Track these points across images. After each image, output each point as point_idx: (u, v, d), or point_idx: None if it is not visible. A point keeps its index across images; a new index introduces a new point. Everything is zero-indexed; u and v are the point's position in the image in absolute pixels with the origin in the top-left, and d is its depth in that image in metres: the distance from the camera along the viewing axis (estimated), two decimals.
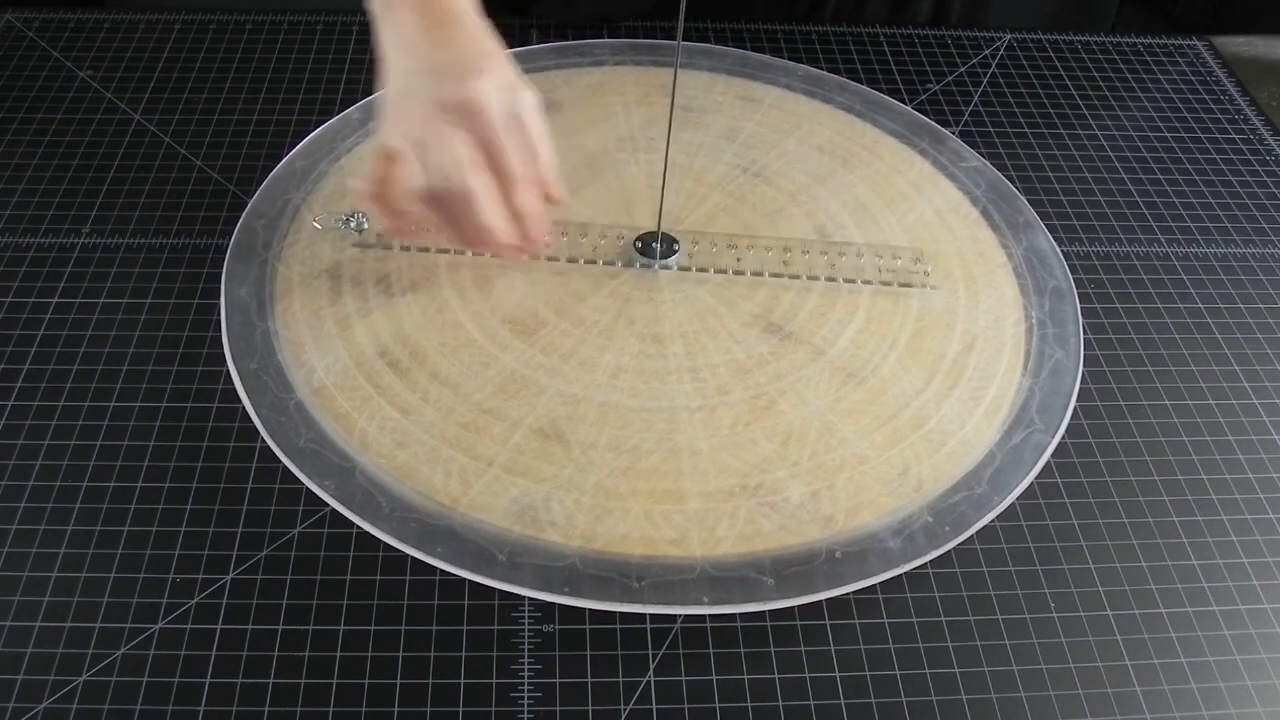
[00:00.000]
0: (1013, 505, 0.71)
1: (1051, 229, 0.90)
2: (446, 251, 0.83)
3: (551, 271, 0.83)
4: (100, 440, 0.72)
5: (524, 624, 0.65)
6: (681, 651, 0.64)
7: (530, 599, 0.65)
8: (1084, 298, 0.85)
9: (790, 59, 1.07)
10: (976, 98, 1.02)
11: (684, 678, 0.63)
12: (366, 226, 0.83)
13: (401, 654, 0.63)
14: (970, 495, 0.70)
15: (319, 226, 0.82)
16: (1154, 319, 0.85)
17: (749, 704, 0.62)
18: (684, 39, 1.09)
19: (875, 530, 0.68)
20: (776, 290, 0.82)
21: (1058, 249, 0.87)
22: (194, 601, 0.64)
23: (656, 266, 0.83)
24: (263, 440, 0.71)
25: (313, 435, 0.70)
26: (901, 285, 0.83)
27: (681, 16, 0.73)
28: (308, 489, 0.68)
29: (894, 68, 1.09)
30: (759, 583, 0.65)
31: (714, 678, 0.63)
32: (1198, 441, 0.77)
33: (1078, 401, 0.77)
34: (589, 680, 0.62)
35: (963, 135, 0.99)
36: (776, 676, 0.63)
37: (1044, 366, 0.79)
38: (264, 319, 0.77)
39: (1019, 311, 0.83)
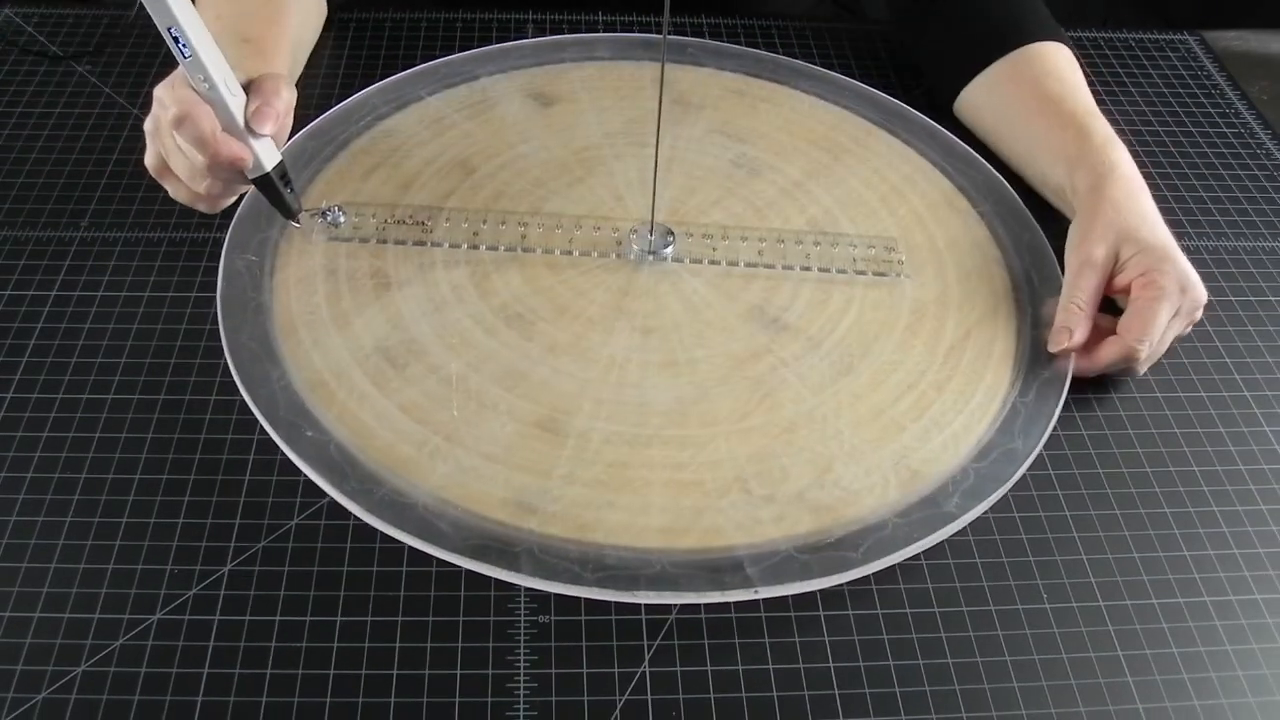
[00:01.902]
0: (1005, 496, 0.71)
1: (1044, 223, 0.90)
2: (440, 245, 0.83)
3: (547, 264, 0.83)
4: (98, 433, 0.72)
5: (520, 615, 0.65)
6: (676, 642, 0.64)
7: (526, 590, 0.66)
8: None
9: (784, 54, 1.07)
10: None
11: (679, 668, 0.63)
12: (342, 221, 0.84)
13: (398, 645, 0.63)
14: (964, 486, 0.71)
15: (298, 225, 0.83)
16: None
17: (743, 694, 0.62)
18: (681, 35, 1.09)
19: (869, 521, 0.69)
20: (771, 282, 0.83)
21: (1048, 241, 0.88)
22: (192, 593, 0.65)
23: (651, 259, 0.84)
24: (260, 432, 0.71)
25: (311, 427, 0.71)
26: (876, 274, 0.84)
27: (666, 10, 0.74)
28: (305, 480, 0.69)
29: (889, 63, 1.09)
30: (754, 573, 0.65)
31: (709, 668, 0.63)
32: (1189, 433, 0.77)
33: (1070, 393, 0.78)
34: (584, 671, 0.63)
35: (956, 130, 0.99)
36: (771, 667, 0.63)
37: (1037, 357, 0.79)
38: (262, 312, 0.78)
39: (1011, 301, 0.83)
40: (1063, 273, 0.83)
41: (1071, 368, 0.79)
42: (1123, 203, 0.83)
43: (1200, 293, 0.80)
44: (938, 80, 1.04)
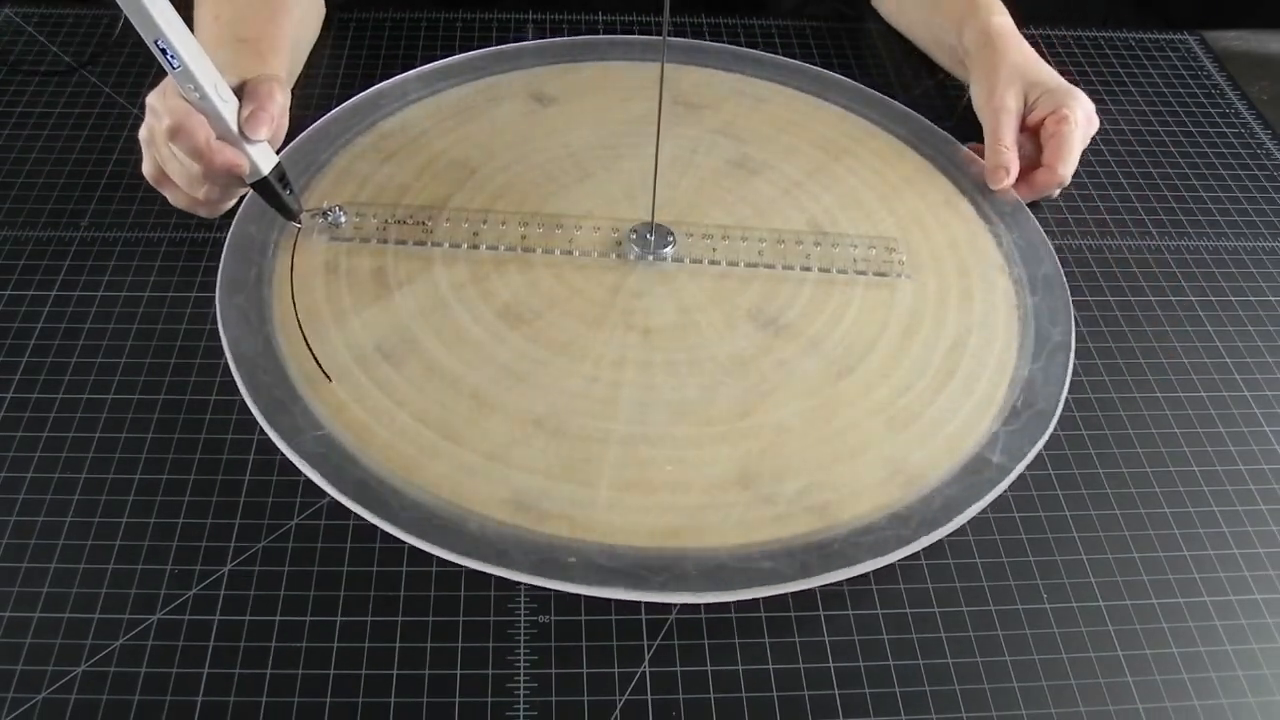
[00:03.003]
0: (1005, 496, 0.71)
1: (1044, 222, 0.90)
2: (441, 245, 0.83)
3: (547, 264, 0.83)
4: (98, 433, 0.72)
5: (520, 615, 0.65)
6: (676, 642, 0.64)
7: (526, 590, 0.66)
8: (1076, 290, 0.85)
9: (784, 54, 1.07)
10: (970, 93, 1.02)
11: (679, 668, 0.63)
12: (343, 222, 0.84)
13: (398, 645, 0.63)
14: (963, 486, 0.71)
15: (299, 225, 0.83)
16: (1145, 311, 0.86)
17: (743, 694, 0.62)
18: (681, 35, 1.09)
19: (868, 521, 0.68)
20: (770, 283, 0.83)
21: (1048, 240, 0.88)
22: (192, 593, 0.65)
23: (651, 259, 0.84)
24: (260, 432, 0.71)
25: (311, 427, 0.71)
26: (877, 274, 0.84)
27: (666, 10, 0.74)
28: (305, 480, 0.69)
29: (887, 63, 1.09)
30: (753, 573, 0.65)
31: (709, 668, 0.63)
32: (1189, 433, 0.77)
33: (1070, 393, 0.77)
34: (584, 671, 0.63)
35: (956, 130, 0.99)
36: (771, 667, 0.63)
37: (1037, 358, 0.79)
38: (262, 312, 0.78)
39: (1011, 302, 0.83)
40: (1061, 271, 0.83)
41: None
42: (1016, 56, 0.96)
43: (1096, 118, 0.95)
44: None
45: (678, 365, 0.77)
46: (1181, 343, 0.84)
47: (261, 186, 0.78)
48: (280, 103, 0.77)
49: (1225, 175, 0.99)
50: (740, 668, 0.63)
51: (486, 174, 0.90)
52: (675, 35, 1.09)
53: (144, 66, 1.02)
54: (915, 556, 0.68)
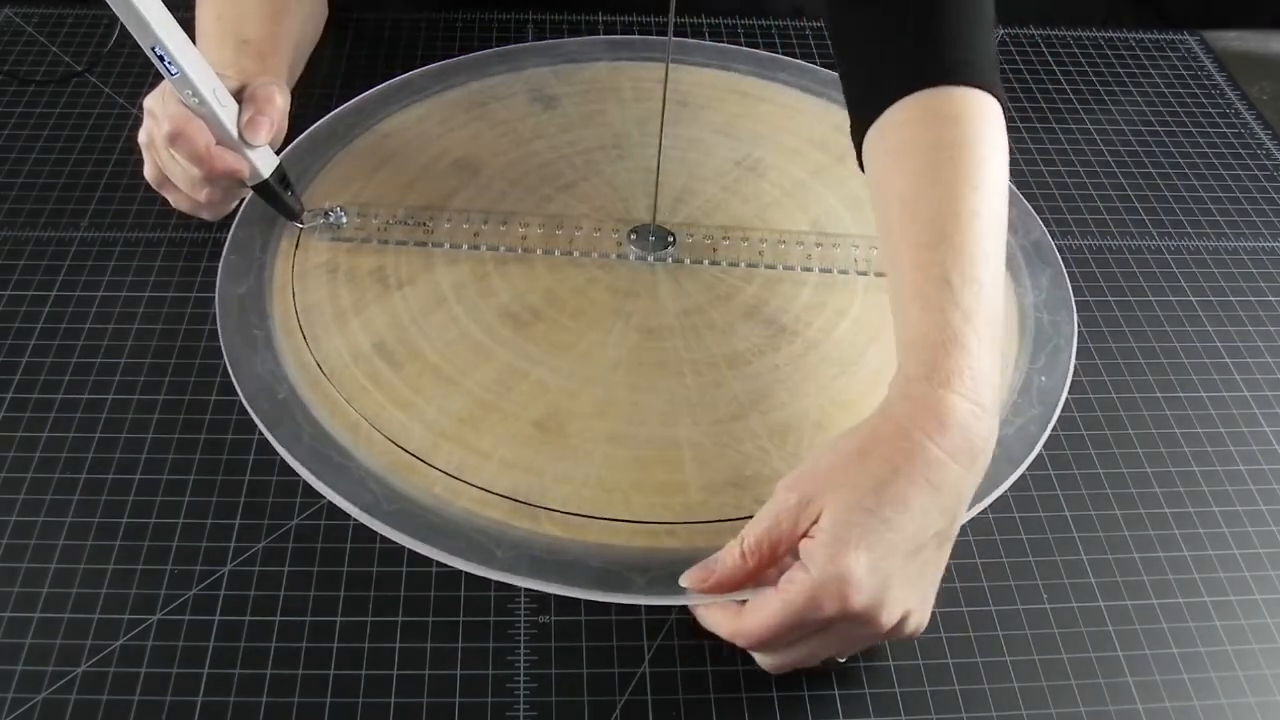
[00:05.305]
0: (1005, 496, 0.71)
1: (1044, 222, 0.90)
2: (441, 246, 0.83)
3: (547, 265, 0.83)
4: (98, 433, 0.72)
5: (520, 615, 0.65)
6: (676, 643, 0.64)
7: (526, 590, 0.66)
8: (1077, 290, 0.85)
9: (785, 54, 1.07)
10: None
11: (679, 668, 0.63)
12: (345, 223, 0.84)
13: (398, 645, 0.63)
14: None
15: (301, 226, 0.83)
16: (1145, 311, 0.86)
17: (743, 695, 0.62)
18: (682, 35, 1.09)
19: None
20: (770, 283, 0.83)
21: (1052, 241, 0.88)
22: (192, 593, 0.65)
23: (651, 259, 0.84)
24: (260, 433, 0.71)
25: (310, 428, 0.71)
26: (878, 274, 0.84)
27: (672, 11, 0.74)
28: (305, 481, 0.69)
29: None
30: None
31: (709, 669, 0.63)
32: (1189, 434, 0.77)
33: (1071, 393, 0.77)
34: (584, 671, 0.63)
35: None
36: None
37: (1037, 358, 0.79)
38: (262, 312, 0.78)
39: (1012, 302, 0.83)
40: (1065, 273, 0.83)
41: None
42: (879, 463, 0.58)
43: (874, 627, 0.57)
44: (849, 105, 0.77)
45: (677, 366, 0.77)
46: (1181, 343, 0.83)
47: (262, 189, 0.78)
48: (280, 106, 0.77)
49: (1225, 175, 0.99)
50: (740, 668, 0.63)
51: (488, 175, 0.90)
52: (676, 35, 1.09)
53: (144, 67, 1.02)
54: None
